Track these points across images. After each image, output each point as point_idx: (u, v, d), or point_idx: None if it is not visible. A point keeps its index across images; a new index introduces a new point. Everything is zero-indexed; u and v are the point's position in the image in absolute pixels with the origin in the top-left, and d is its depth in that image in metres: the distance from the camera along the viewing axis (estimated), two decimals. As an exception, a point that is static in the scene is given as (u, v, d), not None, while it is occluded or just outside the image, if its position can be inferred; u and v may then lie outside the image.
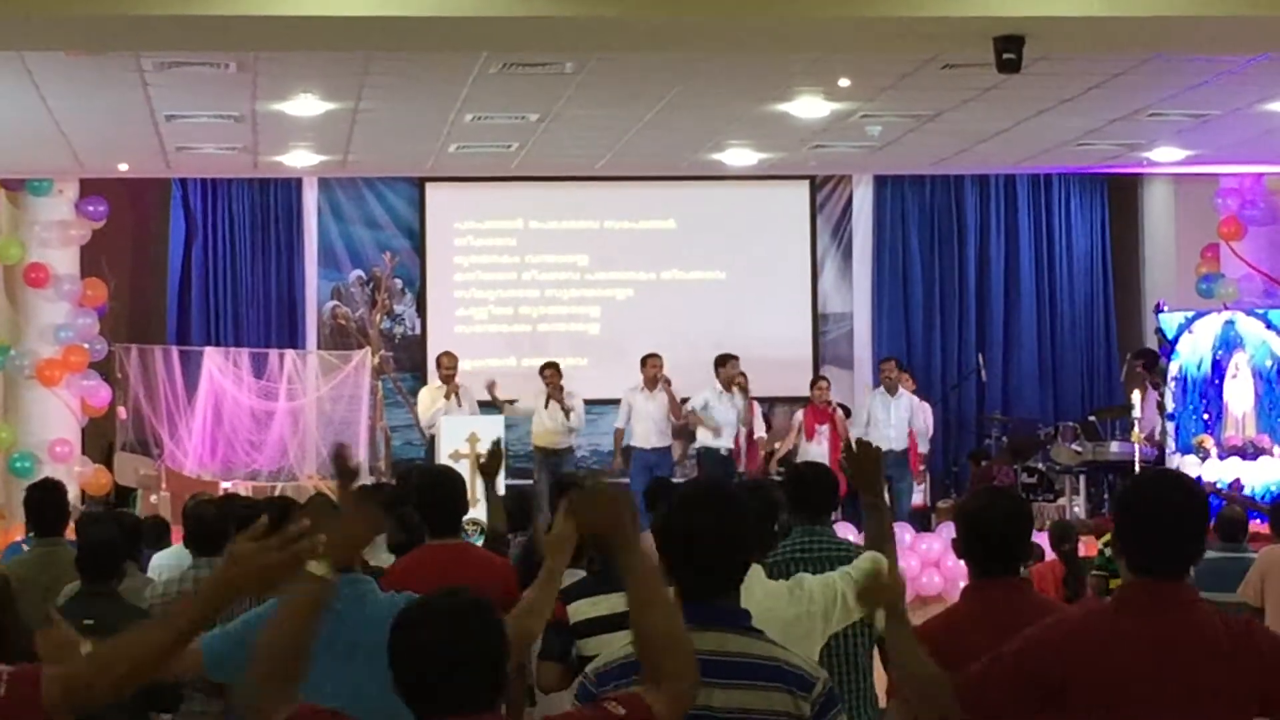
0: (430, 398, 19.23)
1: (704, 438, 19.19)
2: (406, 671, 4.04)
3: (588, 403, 19.58)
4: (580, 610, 7.00)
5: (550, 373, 19.34)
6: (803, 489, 7.45)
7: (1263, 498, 16.98)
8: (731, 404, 19.16)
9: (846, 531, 14.83)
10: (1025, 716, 4.63)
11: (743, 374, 19.28)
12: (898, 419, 19.41)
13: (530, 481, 18.89)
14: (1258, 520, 13.86)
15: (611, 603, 6.61)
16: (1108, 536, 11.83)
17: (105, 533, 7.87)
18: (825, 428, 19.60)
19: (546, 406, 19.19)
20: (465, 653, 4.01)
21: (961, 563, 5.72)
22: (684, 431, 20.19)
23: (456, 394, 18.98)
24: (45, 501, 9.40)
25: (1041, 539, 12.52)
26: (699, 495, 4.68)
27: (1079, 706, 4.55)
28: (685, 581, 4.56)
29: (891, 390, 19.60)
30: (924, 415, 19.95)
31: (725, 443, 19.11)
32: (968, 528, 5.57)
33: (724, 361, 19.32)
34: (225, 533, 8.44)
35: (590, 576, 7.41)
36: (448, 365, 19.17)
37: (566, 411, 19.13)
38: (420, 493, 7.84)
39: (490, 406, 19.41)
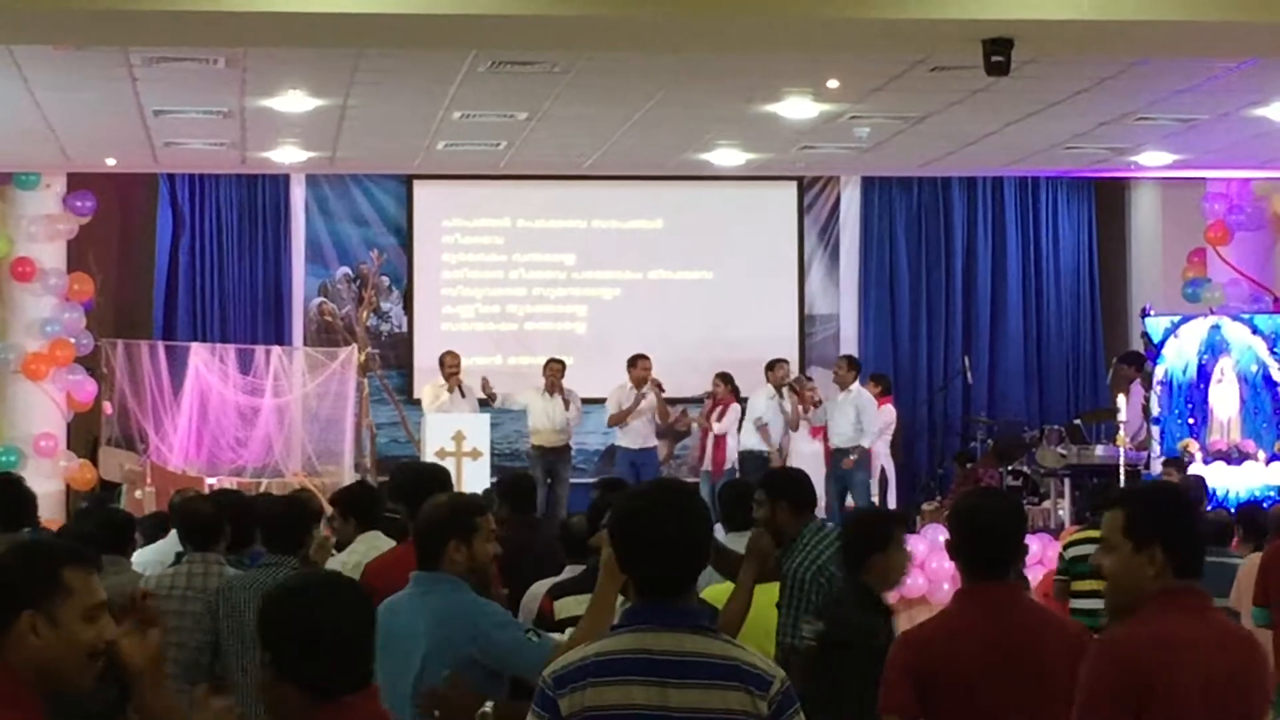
0: (433, 394, 19.27)
1: (748, 441, 19.31)
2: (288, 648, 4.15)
3: (573, 401, 19.65)
4: (566, 607, 7.01)
5: (555, 367, 19.40)
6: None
7: (1245, 502, 17.00)
8: (780, 407, 19.42)
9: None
10: None
11: (801, 377, 20.15)
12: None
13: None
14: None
15: None
16: (1072, 536, 11.80)
17: (81, 527, 7.83)
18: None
19: (553, 396, 19.22)
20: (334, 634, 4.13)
21: (947, 565, 5.73)
22: (670, 432, 20.22)
23: (460, 389, 19.08)
24: (5, 497, 9.34)
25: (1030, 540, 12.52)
26: (662, 496, 4.66)
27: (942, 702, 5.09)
28: (643, 581, 4.59)
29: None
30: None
31: (769, 445, 19.31)
32: (960, 526, 5.56)
33: (773, 366, 19.67)
34: (220, 527, 8.42)
35: (581, 574, 7.43)
36: (451, 364, 19.24)
37: (567, 403, 19.18)
38: (405, 490, 7.81)
39: (486, 405, 19.46)
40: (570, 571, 8.10)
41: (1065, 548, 11.53)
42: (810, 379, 20.76)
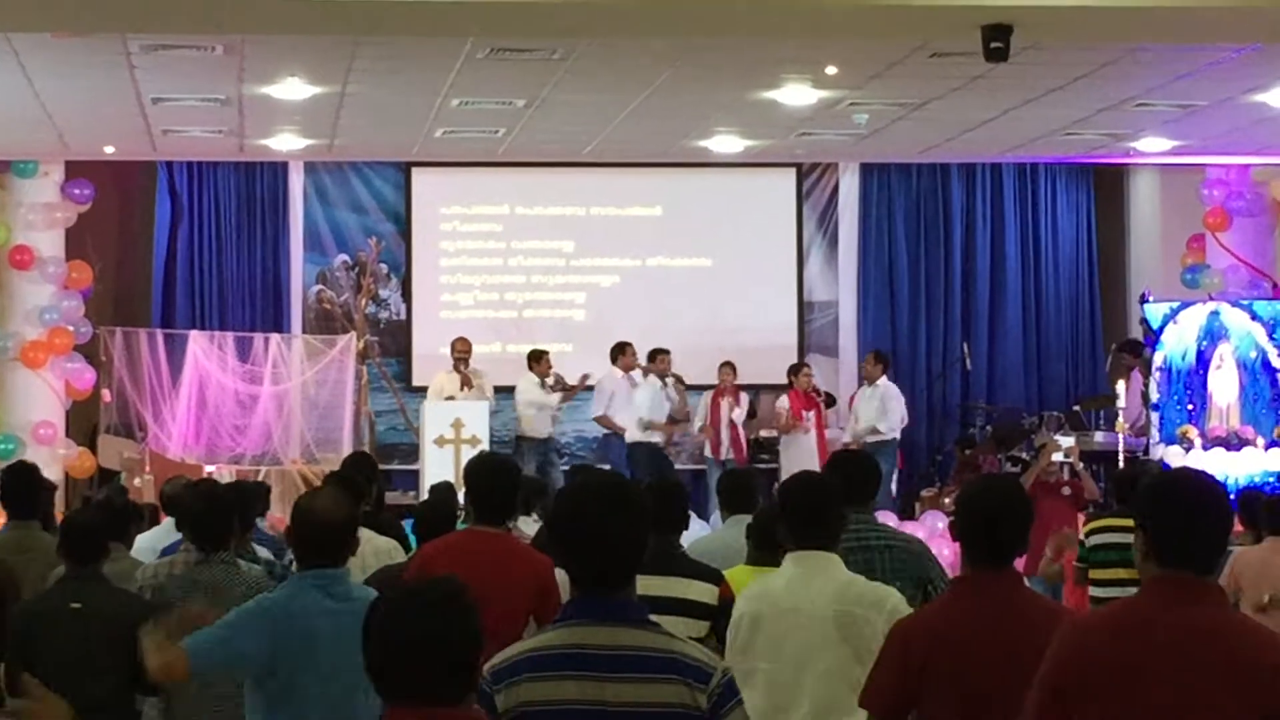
0: (439, 386, 19.23)
1: (635, 434, 19.38)
2: (378, 656, 4.08)
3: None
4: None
5: (547, 358, 19.50)
6: (844, 470, 7.27)
7: (1244, 489, 16.98)
8: (667, 396, 19.55)
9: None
10: None
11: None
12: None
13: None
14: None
15: (665, 585, 6.55)
16: (1094, 524, 11.69)
17: (85, 516, 7.84)
18: (812, 414, 19.71)
19: (551, 390, 19.31)
20: (434, 641, 4.03)
21: (945, 551, 5.70)
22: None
23: (466, 379, 19.02)
24: (16, 486, 9.37)
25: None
26: (602, 490, 4.63)
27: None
28: (582, 575, 4.57)
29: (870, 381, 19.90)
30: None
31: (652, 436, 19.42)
32: (966, 512, 5.53)
33: (654, 356, 19.79)
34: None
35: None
36: (461, 349, 19.24)
37: (564, 391, 19.34)
38: (471, 478, 7.86)
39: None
40: None
41: (1086, 535, 11.43)
42: (808, 365, 20.75)
